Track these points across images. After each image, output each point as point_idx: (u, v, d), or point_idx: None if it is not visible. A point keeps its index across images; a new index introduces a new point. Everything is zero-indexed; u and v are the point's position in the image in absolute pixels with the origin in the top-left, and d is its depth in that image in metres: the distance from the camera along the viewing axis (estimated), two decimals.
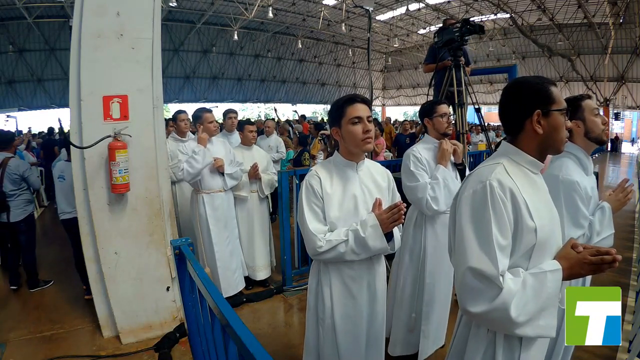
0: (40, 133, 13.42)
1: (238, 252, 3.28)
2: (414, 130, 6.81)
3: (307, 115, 24.51)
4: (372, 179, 1.59)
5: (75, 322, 2.88)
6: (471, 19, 3.97)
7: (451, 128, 2.25)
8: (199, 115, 3.09)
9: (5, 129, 12.96)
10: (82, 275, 3.23)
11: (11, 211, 3.45)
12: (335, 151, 1.58)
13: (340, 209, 1.48)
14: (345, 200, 1.49)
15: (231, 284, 3.15)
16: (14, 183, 3.47)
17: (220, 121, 4.42)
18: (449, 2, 17.53)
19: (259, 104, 26.01)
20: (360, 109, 1.46)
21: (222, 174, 3.06)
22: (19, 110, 16.77)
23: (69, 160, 3.06)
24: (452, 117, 2.39)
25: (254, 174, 3.32)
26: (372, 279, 1.56)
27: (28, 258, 3.58)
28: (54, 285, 3.60)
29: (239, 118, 4.36)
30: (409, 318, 2.24)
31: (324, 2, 17.55)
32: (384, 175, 1.64)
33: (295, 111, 11.05)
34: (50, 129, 9.91)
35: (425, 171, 2.17)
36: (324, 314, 1.54)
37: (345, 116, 1.46)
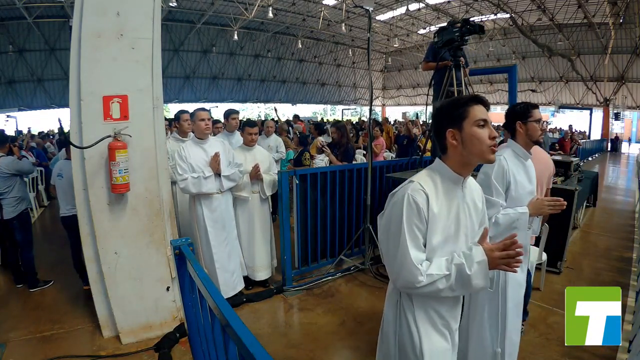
0: (40, 133, 13.43)
1: (237, 253, 3.28)
2: (415, 131, 6.77)
3: (307, 116, 24.60)
4: (472, 198, 1.34)
5: (75, 322, 2.88)
6: (471, 19, 3.97)
7: (542, 138, 2.03)
8: (192, 113, 3.15)
9: (5, 129, 13.01)
10: (81, 273, 3.29)
11: (3, 209, 3.49)
12: (438, 159, 1.31)
13: (442, 234, 1.22)
14: (448, 222, 1.24)
15: (229, 285, 3.15)
16: (4, 181, 3.49)
17: (221, 121, 4.45)
18: (449, 2, 17.54)
19: (259, 104, 26.02)
20: (484, 112, 1.26)
21: (219, 175, 3.04)
22: (19, 110, 16.78)
23: (68, 158, 3.10)
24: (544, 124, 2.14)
25: (255, 175, 3.32)
26: (464, 308, 1.38)
27: (25, 256, 3.60)
28: (54, 285, 3.60)
29: (240, 118, 4.37)
30: (494, 354, 1.88)
31: (324, 2, 17.55)
32: (479, 193, 1.39)
33: (275, 108, 11.21)
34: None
35: (504, 188, 1.84)
36: (409, 348, 1.29)
37: (469, 117, 1.23)
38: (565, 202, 1.91)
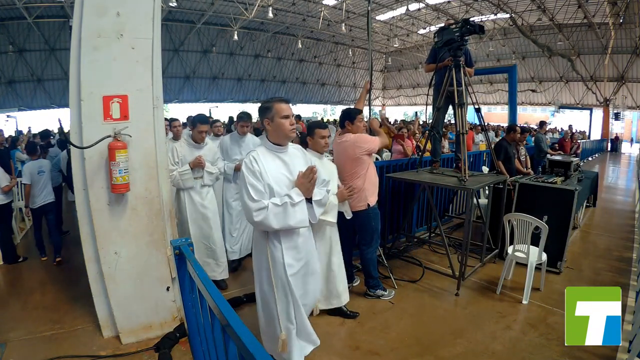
0: (41, 133, 13.42)
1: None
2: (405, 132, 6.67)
3: (307, 116, 24.58)
4: None
5: (75, 322, 2.88)
6: (471, 19, 3.97)
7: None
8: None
9: (5, 129, 12.99)
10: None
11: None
12: None
13: None
14: None
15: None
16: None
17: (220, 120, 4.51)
18: (449, 2, 17.53)
19: (258, 104, 26.02)
20: None
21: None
22: (19, 110, 16.77)
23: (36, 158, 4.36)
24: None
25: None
26: None
27: (57, 235, 4.37)
28: (54, 285, 3.60)
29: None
30: None
31: (324, 2, 17.55)
32: None
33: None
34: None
35: None
36: None
37: None
38: None
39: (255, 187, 1.84)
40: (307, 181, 1.90)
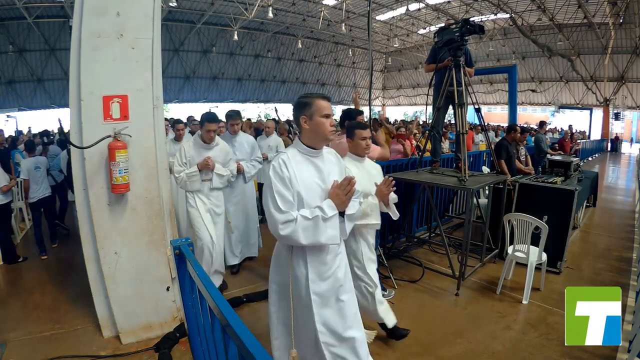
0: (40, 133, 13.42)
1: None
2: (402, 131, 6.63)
3: None
4: None
5: (75, 322, 2.88)
6: (471, 19, 3.97)
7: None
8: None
9: (5, 129, 13.00)
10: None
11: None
12: None
13: None
14: None
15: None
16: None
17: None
18: (449, 2, 17.53)
19: (258, 104, 26.02)
20: None
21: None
22: (19, 110, 16.78)
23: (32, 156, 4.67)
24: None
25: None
26: None
27: (54, 226, 4.78)
28: (54, 285, 3.60)
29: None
30: None
31: (324, 2, 17.54)
32: None
33: (275, 108, 9.90)
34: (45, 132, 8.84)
35: None
36: None
37: None
38: None
39: (283, 196, 1.61)
40: (343, 193, 1.66)
